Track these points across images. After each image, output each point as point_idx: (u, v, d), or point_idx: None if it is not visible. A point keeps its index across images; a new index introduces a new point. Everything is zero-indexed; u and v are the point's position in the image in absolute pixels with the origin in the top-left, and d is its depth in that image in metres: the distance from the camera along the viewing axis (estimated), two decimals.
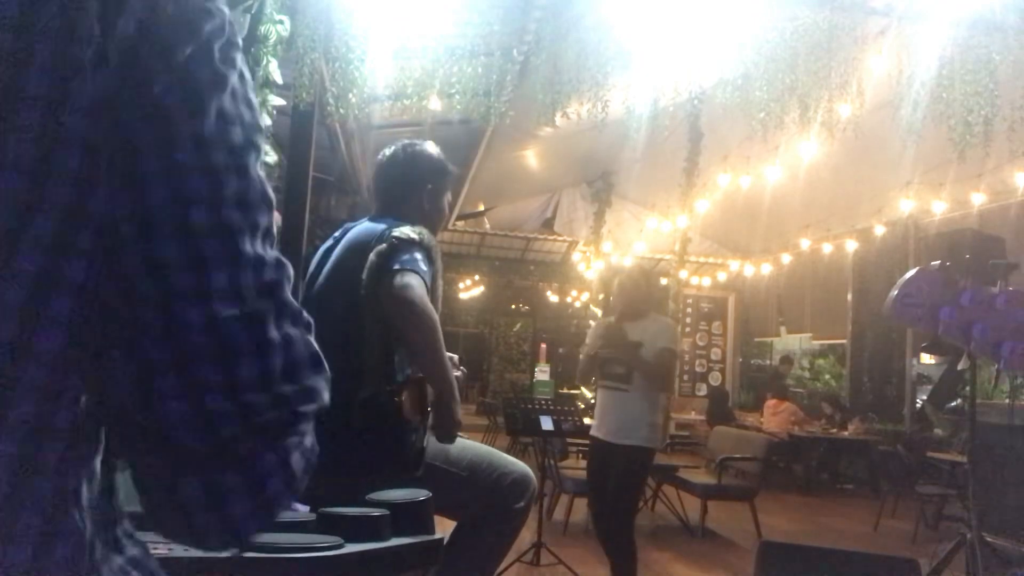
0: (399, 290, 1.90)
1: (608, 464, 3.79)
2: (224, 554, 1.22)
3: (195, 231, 0.48)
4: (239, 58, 0.53)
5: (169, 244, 0.48)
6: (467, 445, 2.17)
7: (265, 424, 0.50)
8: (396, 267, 1.95)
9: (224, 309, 0.49)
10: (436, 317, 1.94)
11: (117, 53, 0.46)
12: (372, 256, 2.01)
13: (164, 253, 0.48)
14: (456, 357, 2.49)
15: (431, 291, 2.01)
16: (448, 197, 2.35)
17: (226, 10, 0.53)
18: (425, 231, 2.10)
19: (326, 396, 0.54)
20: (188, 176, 0.49)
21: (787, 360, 12.24)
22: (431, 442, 2.03)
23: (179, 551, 1.10)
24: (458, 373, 2.42)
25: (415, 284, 1.92)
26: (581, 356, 4.16)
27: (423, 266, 1.99)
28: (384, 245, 2.01)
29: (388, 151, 2.33)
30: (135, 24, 0.47)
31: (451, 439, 2.02)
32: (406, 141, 2.36)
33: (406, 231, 2.05)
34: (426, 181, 2.26)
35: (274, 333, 0.51)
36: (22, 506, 0.46)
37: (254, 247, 0.51)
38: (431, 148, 2.33)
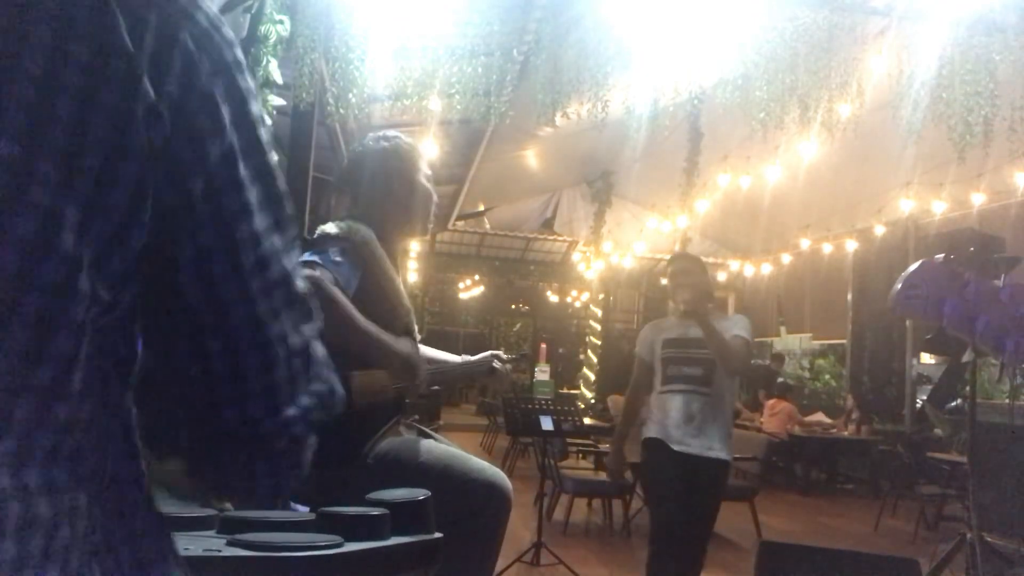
0: None
1: (686, 476, 3.27)
2: (230, 552, 1.22)
3: (269, 276, 0.59)
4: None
5: (257, 296, 0.58)
6: (427, 446, 2.06)
7: (315, 421, 0.62)
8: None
9: (293, 338, 0.60)
10: (332, 295, 1.81)
11: (167, 110, 0.52)
12: None
13: (252, 300, 0.58)
14: (501, 352, 2.44)
15: (364, 287, 1.93)
16: (425, 172, 2.20)
17: (237, 44, 0.59)
18: (355, 227, 1.99)
19: (341, 390, 0.65)
20: (252, 223, 0.57)
21: (779, 358, 12.22)
22: (387, 443, 1.98)
23: (179, 549, 1.10)
24: (508, 366, 2.38)
25: (305, 274, 1.83)
26: (635, 366, 3.55)
27: (336, 258, 1.90)
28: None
29: (345, 159, 2.27)
30: (178, 84, 0.53)
31: (416, 388, 2.07)
32: (356, 143, 2.26)
33: (326, 226, 1.98)
34: (391, 166, 2.13)
35: (320, 348, 0.63)
36: (41, 493, 0.49)
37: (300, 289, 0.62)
38: (384, 138, 2.19)
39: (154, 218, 0.53)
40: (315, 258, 1.89)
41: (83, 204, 0.49)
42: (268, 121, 3.47)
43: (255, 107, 0.59)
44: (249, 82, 0.59)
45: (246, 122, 0.58)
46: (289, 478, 0.65)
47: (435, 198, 2.26)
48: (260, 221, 0.58)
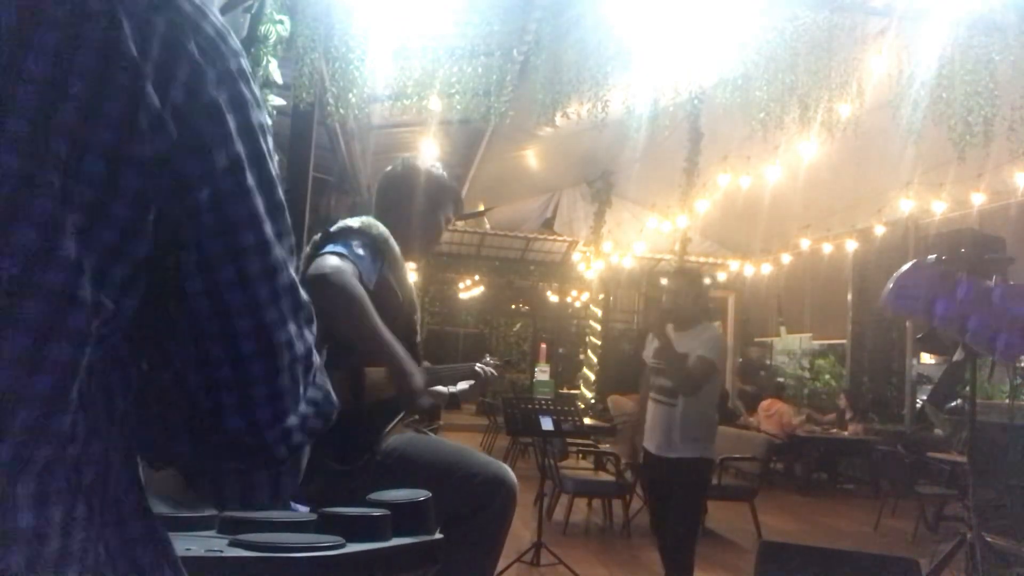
0: (314, 269, 1.81)
1: (661, 477, 3.66)
2: (231, 554, 1.22)
3: (277, 283, 0.59)
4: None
5: (266, 303, 0.58)
6: (433, 443, 2.10)
7: (313, 429, 0.63)
8: (324, 252, 1.89)
9: (298, 345, 0.61)
10: (359, 294, 1.82)
11: (172, 119, 0.52)
12: (307, 248, 1.98)
13: (260, 307, 0.58)
14: (488, 358, 2.49)
15: (379, 282, 1.94)
16: (446, 213, 2.29)
17: (243, 55, 0.60)
18: (374, 223, 2.03)
19: (335, 397, 0.65)
20: (246, 233, 0.57)
21: (758, 346, 12.27)
22: (394, 440, 1.99)
23: (181, 550, 1.10)
24: (490, 370, 2.41)
25: (335, 263, 1.83)
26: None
27: (359, 251, 1.92)
28: (319, 235, 1.98)
29: (392, 167, 2.31)
30: (183, 92, 0.53)
31: (414, 406, 2.00)
32: (409, 156, 2.33)
33: (347, 220, 2.01)
34: (406, 188, 2.22)
35: (317, 357, 0.63)
36: (39, 502, 0.48)
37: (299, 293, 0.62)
38: (436, 169, 2.30)
39: (158, 228, 0.53)
40: (340, 249, 1.90)
41: (85, 212, 0.49)
42: (268, 111, 3.47)
43: (261, 116, 0.59)
44: (256, 91, 0.59)
45: (251, 131, 0.58)
46: (287, 486, 0.66)
47: (441, 234, 2.34)
48: (267, 229, 0.58)
